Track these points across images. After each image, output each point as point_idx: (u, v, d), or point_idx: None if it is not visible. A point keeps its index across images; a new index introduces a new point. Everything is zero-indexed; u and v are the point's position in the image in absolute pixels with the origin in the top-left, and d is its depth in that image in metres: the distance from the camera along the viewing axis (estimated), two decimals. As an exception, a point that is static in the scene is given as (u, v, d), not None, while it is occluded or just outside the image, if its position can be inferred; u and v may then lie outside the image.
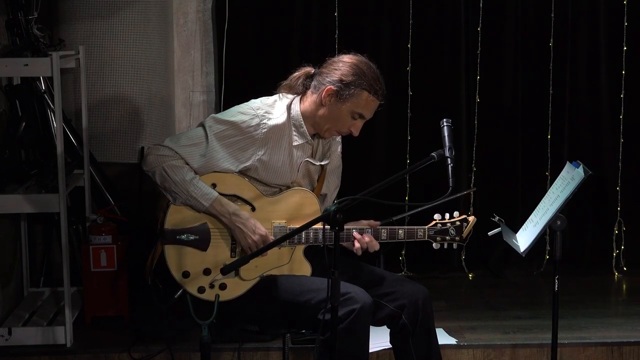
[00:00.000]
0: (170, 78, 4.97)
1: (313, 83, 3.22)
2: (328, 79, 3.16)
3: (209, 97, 5.11)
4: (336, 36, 4.98)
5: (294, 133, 3.22)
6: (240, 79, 4.97)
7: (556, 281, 3.30)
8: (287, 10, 4.99)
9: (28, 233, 4.49)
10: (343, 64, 3.17)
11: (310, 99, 3.21)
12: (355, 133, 3.23)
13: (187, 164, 3.12)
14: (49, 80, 4.34)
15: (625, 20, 5.07)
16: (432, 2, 5.04)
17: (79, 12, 4.68)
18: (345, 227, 3.15)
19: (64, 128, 4.17)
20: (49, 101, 4.35)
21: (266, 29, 5.00)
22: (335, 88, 3.14)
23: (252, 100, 3.26)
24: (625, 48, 5.09)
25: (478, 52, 5.07)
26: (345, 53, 3.24)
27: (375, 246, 3.19)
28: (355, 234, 3.17)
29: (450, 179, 2.97)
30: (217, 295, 3.12)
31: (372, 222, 3.23)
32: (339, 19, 4.98)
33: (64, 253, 3.92)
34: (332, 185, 3.41)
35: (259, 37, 5.00)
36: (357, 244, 3.17)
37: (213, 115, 3.22)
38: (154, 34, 4.78)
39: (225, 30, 4.96)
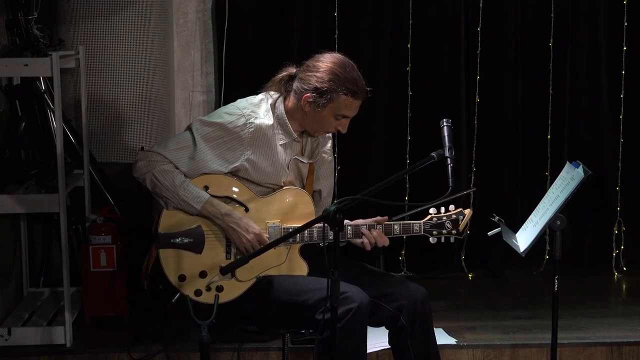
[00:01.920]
0: (170, 78, 4.97)
1: (294, 86, 3.21)
2: (305, 86, 3.15)
3: (208, 97, 5.11)
4: (336, 36, 4.98)
5: (280, 132, 3.22)
6: (240, 79, 4.97)
7: (556, 281, 3.30)
8: (287, 10, 4.99)
9: (28, 233, 4.49)
10: (317, 69, 3.15)
11: (293, 101, 3.21)
12: (343, 131, 3.24)
13: (177, 167, 3.12)
14: (48, 81, 4.34)
15: (625, 20, 5.07)
16: (432, 2, 5.05)
17: (78, 12, 4.68)
18: (352, 223, 3.18)
19: (63, 128, 4.17)
20: (48, 101, 4.35)
21: (266, 29, 5.00)
22: (311, 97, 3.14)
23: (238, 100, 3.26)
24: (625, 48, 5.10)
25: (478, 52, 5.07)
26: (322, 53, 3.22)
27: (385, 241, 3.19)
28: (363, 229, 3.18)
29: (450, 179, 2.97)
30: (217, 295, 3.12)
31: (379, 218, 3.23)
32: (338, 19, 4.98)
33: (63, 253, 3.92)
34: (326, 185, 3.40)
35: (259, 37, 5.00)
36: (364, 239, 3.17)
37: (199, 117, 3.22)
38: (153, 34, 4.78)
39: (225, 30, 4.96)
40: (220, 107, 4.87)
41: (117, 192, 4.68)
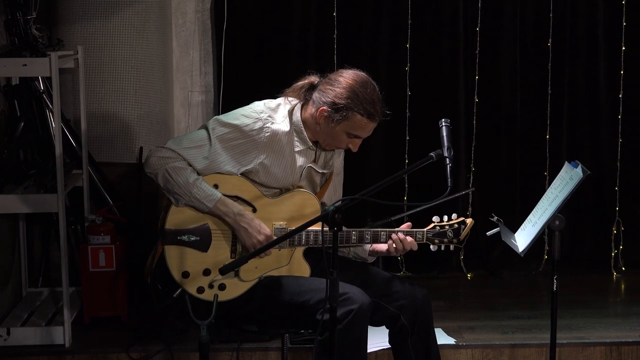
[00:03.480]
0: (168, 78, 4.97)
1: (313, 96, 3.19)
2: (323, 99, 3.14)
3: (207, 97, 5.11)
4: (335, 36, 4.98)
5: (296, 138, 3.22)
6: (239, 79, 4.96)
7: (555, 281, 3.30)
8: (285, 10, 4.99)
9: (26, 233, 4.49)
10: (338, 83, 3.13)
11: (310, 111, 3.20)
12: (354, 149, 3.23)
13: (190, 165, 3.11)
14: (47, 81, 4.34)
15: (623, 20, 5.08)
16: (431, 2, 5.05)
17: (77, 12, 4.68)
18: (380, 229, 3.18)
19: (62, 128, 4.17)
20: (47, 101, 4.35)
21: (265, 28, 5.00)
22: (326, 112, 3.13)
23: (256, 103, 3.24)
24: (623, 48, 5.10)
25: (477, 52, 5.07)
26: (346, 68, 3.20)
27: (414, 246, 3.19)
28: (393, 235, 3.17)
29: (449, 179, 2.97)
30: (216, 296, 3.11)
31: (403, 226, 3.23)
32: (337, 19, 4.98)
33: (62, 253, 3.92)
34: (332, 199, 3.37)
35: (258, 37, 5.00)
36: (390, 243, 3.16)
37: (216, 117, 3.19)
38: (152, 34, 4.78)
39: (224, 30, 4.95)
40: (219, 107, 4.93)
41: (115, 192, 4.67)
